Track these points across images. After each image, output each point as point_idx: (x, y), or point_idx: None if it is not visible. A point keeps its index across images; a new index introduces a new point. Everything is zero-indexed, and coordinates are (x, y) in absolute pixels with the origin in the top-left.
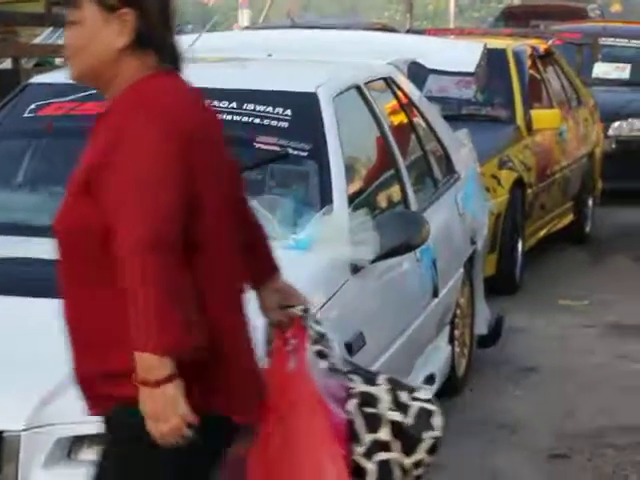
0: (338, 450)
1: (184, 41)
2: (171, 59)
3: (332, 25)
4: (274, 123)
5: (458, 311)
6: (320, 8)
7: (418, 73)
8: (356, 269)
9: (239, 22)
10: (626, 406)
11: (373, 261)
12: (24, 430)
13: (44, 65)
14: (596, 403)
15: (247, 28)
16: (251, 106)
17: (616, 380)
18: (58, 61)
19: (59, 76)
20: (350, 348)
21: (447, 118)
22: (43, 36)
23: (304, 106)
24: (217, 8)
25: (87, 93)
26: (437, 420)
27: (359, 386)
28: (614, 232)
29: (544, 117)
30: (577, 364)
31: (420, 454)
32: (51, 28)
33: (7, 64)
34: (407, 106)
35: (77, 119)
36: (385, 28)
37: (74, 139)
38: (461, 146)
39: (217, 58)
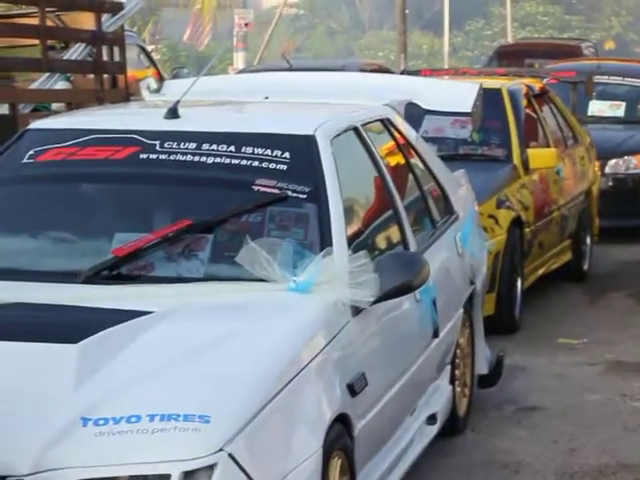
0: None
1: (182, 85)
2: None
3: (327, 66)
4: (273, 166)
5: (458, 351)
6: (314, 49)
7: (414, 114)
8: (357, 311)
9: (234, 64)
10: (628, 444)
11: (373, 302)
12: (29, 475)
13: (41, 110)
14: (598, 442)
15: (242, 70)
16: (250, 149)
17: (618, 418)
18: (55, 106)
19: (58, 122)
20: (352, 389)
21: (444, 158)
22: (40, 81)
23: (302, 149)
24: (212, 51)
25: (86, 138)
26: None
27: None
28: (612, 270)
29: (541, 156)
30: (579, 403)
31: None
32: (48, 73)
33: (4, 109)
34: (404, 147)
35: (76, 164)
36: (380, 69)
37: (73, 184)
38: (459, 186)
39: (214, 101)
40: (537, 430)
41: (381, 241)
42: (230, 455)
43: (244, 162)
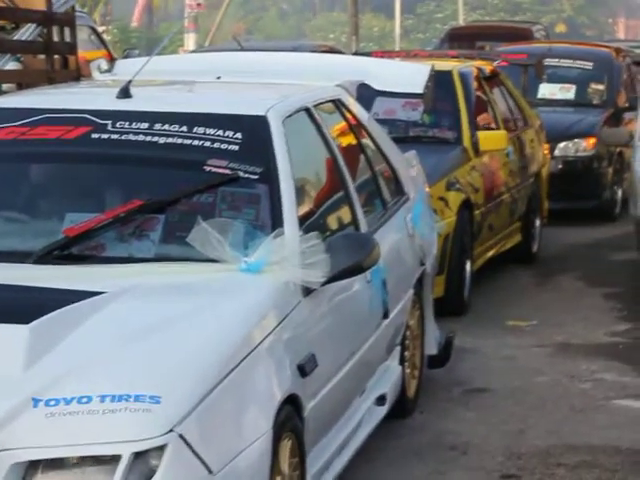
0: None
1: (133, 64)
2: None
3: (279, 48)
4: (224, 146)
5: (408, 332)
6: (265, 31)
7: (366, 95)
8: (308, 291)
9: (185, 46)
10: (575, 425)
11: (324, 283)
12: None
13: None
14: (546, 423)
15: (193, 52)
16: (202, 129)
17: (565, 400)
18: (5, 87)
19: (9, 101)
20: (303, 370)
21: (394, 140)
22: None
23: (254, 129)
24: (163, 32)
25: (38, 117)
26: None
27: None
28: (561, 252)
29: (491, 138)
30: (527, 384)
31: None
32: None
33: None
34: (356, 127)
35: (27, 144)
36: (332, 50)
37: (24, 164)
38: (410, 167)
39: (166, 81)
40: (485, 412)
41: (332, 222)
42: (180, 436)
43: (196, 142)
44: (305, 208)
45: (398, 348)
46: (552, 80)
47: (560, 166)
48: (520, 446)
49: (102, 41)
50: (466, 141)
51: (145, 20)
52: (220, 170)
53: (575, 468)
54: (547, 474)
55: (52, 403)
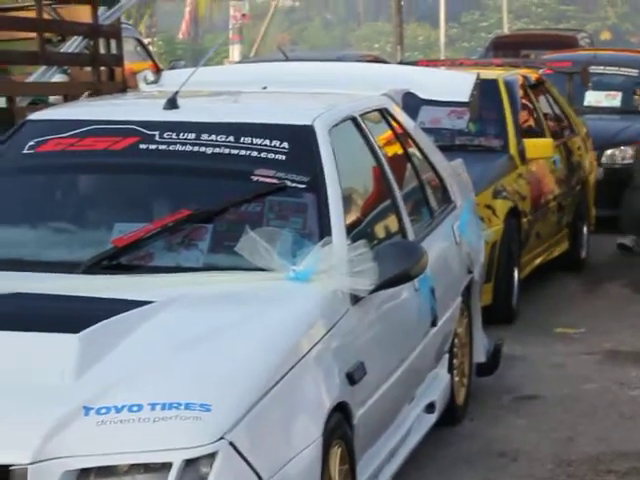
0: None
1: (179, 75)
2: None
3: (324, 58)
4: (271, 156)
5: (456, 340)
6: (310, 41)
7: (412, 104)
8: (356, 299)
9: (230, 57)
10: (625, 432)
11: (372, 291)
12: (31, 464)
13: (38, 104)
14: (596, 430)
15: (239, 62)
16: (248, 139)
17: (615, 407)
18: (52, 99)
19: (57, 113)
20: (351, 378)
21: (440, 148)
22: (36, 74)
23: (301, 138)
24: (208, 44)
25: (86, 129)
26: None
27: None
28: (609, 259)
29: (537, 146)
30: (576, 391)
31: None
32: (44, 66)
33: (1, 102)
34: (402, 136)
35: (76, 155)
36: (377, 60)
37: (73, 175)
38: (457, 176)
39: (213, 92)
40: (535, 419)
41: (380, 230)
42: (231, 443)
43: (243, 152)
44: (352, 217)
45: (447, 356)
46: (598, 88)
47: (607, 173)
48: (570, 453)
49: (148, 53)
50: (512, 149)
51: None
52: (267, 180)
53: (625, 475)
54: None
55: (103, 411)
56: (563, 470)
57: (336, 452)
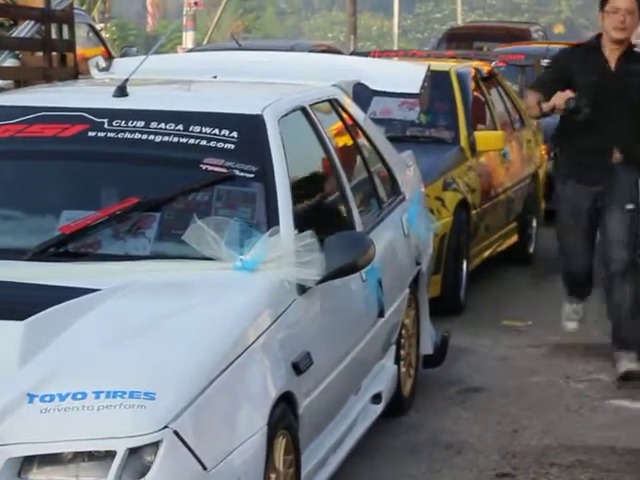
0: None
1: (130, 63)
2: None
3: (277, 47)
4: (220, 145)
5: (404, 331)
6: (264, 29)
7: (362, 94)
8: (303, 290)
9: (183, 44)
10: (570, 425)
11: (319, 282)
12: None
13: None
14: (541, 423)
15: (191, 50)
16: (197, 128)
17: (561, 400)
18: (3, 84)
19: (6, 99)
20: (297, 368)
21: (391, 140)
22: None
23: (250, 128)
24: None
25: (35, 115)
26: None
27: None
28: (557, 253)
29: (488, 139)
30: (522, 384)
31: None
32: None
33: None
34: (352, 127)
35: (24, 141)
36: (330, 50)
37: (20, 161)
38: (406, 167)
39: (163, 80)
40: (480, 411)
41: (328, 221)
42: (175, 432)
43: (192, 141)
44: (301, 207)
45: (394, 347)
46: None
47: None
48: (515, 445)
49: (100, 38)
50: (463, 141)
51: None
52: (216, 168)
53: (569, 468)
54: (541, 473)
55: (47, 399)
56: (508, 462)
57: (281, 442)
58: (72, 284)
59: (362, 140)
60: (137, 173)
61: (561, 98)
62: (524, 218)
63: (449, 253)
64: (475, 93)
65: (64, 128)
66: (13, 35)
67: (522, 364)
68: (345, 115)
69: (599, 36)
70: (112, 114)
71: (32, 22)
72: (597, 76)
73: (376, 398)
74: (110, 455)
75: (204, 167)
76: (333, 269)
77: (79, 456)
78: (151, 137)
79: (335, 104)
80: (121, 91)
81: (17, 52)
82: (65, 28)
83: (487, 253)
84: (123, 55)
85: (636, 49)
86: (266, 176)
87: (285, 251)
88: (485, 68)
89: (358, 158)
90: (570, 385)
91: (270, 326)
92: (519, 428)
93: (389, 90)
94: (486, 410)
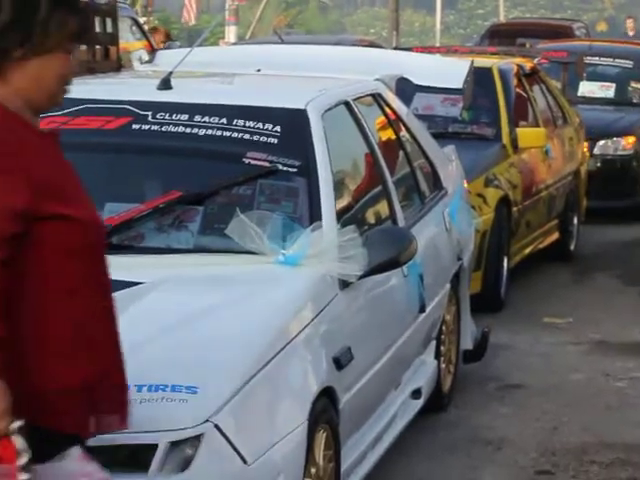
0: None
1: (174, 56)
2: None
3: (320, 41)
4: (264, 139)
5: (444, 327)
6: (306, 25)
7: (405, 89)
8: (344, 285)
9: (226, 38)
10: (610, 423)
11: (361, 277)
12: None
13: None
14: (580, 420)
15: (234, 44)
16: (241, 122)
17: (600, 397)
18: None
19: None
20: (338, 363)
21: (433, 136)
22: None
23: (294, 122)
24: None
25: (79, 107)
26: None
27: None
28: (598, 250)
29: (530, 135)
30: (562, 381)
31: None
32: None
33: None
34: (395, 122)
35: (69, 133)
36: (372, 45)
37: (66, 153)
38: (448, 162)
39: (207, 73)
40: (520, 408)
41: (370, 216)
42: (216, 426)
43: (235, 134)
44: (343, 202)
45: (434, 342)
46: (592, 78)
47: (599, 164)
48: (554, 443)
49: (143, 32)
50: (505, 138)
51: (193, 17)
52: (259, 163)
53: (609, 466)
54: (581, 471)
55: None
56: (547, 459)
57: (321, 437)
58: (115, 277)
59: (405, 134)
60: (180, 166)
61: None
62: (565, 215)
63: (490, 250)
64: (517, 90)
65: (108, 121)
66: None
67: (562, 361)
68: (388, 109)
69: None
70: (156, 107)
71: None
72: None
73: (416, 393)
74: (152, 448)
75: (247, 161)
76: (375, 264)
77: (121, 449)
78: (195, 130)
79: (378, 98)
80: (165, 84)
81: None
82: (108, 21)
83: (528, 250)
84: (166, 49)
85: None
86: (309, 171)
87: (327, 246)
88: (527, 65)
89: (400, 153)
90: (610, 383)
91: (312, 321)
92: (558, 425)
93: (432, 85)
94: (525, 407)
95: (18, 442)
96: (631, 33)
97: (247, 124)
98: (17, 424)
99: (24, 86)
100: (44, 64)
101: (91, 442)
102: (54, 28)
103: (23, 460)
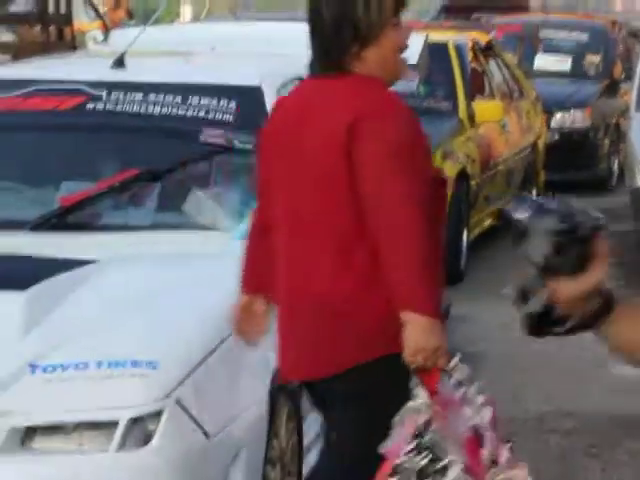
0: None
1: (127, 35)
2: None
3: (275, 19)
4: (219, 116)
5: None
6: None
7: None
8: None
9: (181, 18)
10: (568, 391)
11: None
12: None
13: None
14: (540, 389)
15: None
16: (196, 99)
17: (557, 366)
18: (0, 58)
19: (2, 72)
20: None
21: None
22: None
23: (249, 99)
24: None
25: (32, 88)
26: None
27: None
28: None
29: (486, 109)
30: (522, 351)
31: None
32: None
33: None
34: None
35: (22, 114)
36: None
37: (19, 134)
38: None
39: (161, 52)
40: (480, 378)
41: None
42: (177, 401)
43: (191, 112)
44: None
45: None
46: (548, 51)
47: (556, 137)
48: (513, 411)
49: (97, 12)
50: (462, 112)
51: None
52: (215, 140)
53: (568, 434)
54: (540, 439)
55: (49, 369)
56: (507, 429)
57: (283, 410)
58: (72, 255)
59: None
60: (136, 145)
61: None
62: (524, 188)
63: (449, 223)
64: (473, 64)
65: (62, 100)
66: (10, 10)
67: (520, 332)
68: None
69: None
70: (110, 86)
71: None
72: None
73: None
74: (113, 424)
75: (203, 138)
76: None
77: (82, 426)
78: (150, 109)
79: None
80: (119, 63)
81: (15, 27)
82: (62, 2)
83: (487, 222)
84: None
85: None
86: None
87: None
88: (483, 39)
89: None
90: (567, 351)
91: None
92: (519, 394)
93: None
94: (485, 377)
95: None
96: None
97: (202, 101)
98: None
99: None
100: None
101: (53, 419)
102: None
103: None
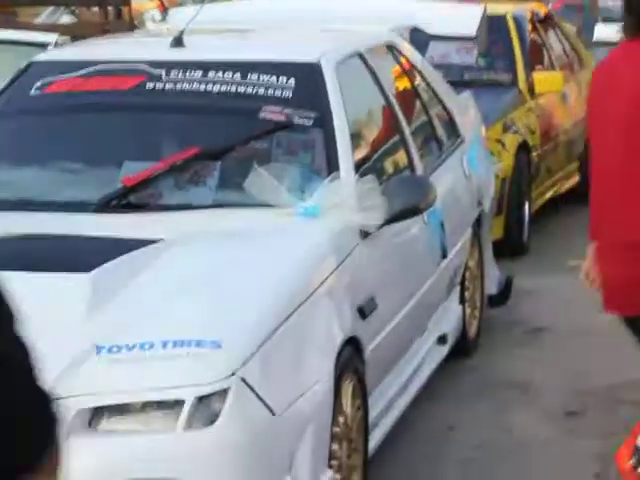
0: None
1: (186, 14)
2: None
3: None
4: (279, 93)
5: (467, 273)
6: None
7: (420, 39)
8: (365, 234)
9: None
10: (637, 363)
11: (381, 226)
12: None
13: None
14: (609, 361)
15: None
16: (255, 76)
17: (627, 337)
18: (60, 39)
19: (63, 53)
20: (362, 312)
21: (450, 84)
22: (44, 16)
23: (308, 75)
24: None
25: (93, 69)
26: None
27: None
28: None
29: (546, 80)
30: (587, 324)
31: None
32: (52, 8)
33: None
34: (410, 71)
35: (83, 95)
36: None
37: (81, 115)
38: (465, 109)
39: (219, 29)
40: (546, 351)
41: (388, 165)
42: (242, 379)
43: (250, 90)
44: (361, 152)
45: (458, 288)
46: (608, 21)
47: None
48: (582, 384)
49: None
50: (521, 83)
51: None
52: (275, 116)
53: (638, 405)
54: (610, 411)
55: (115, 350)
56: (576, 401)
57: (348, 386)
58: (135, 235)
59: (420, 83)
60: (196, 123)
61: None
62: (585, 158)
63: (511, 195)
64: (532, 35)
65: (122, 80)
66: None
67: (587, 304)
68: (402, 59)
69: None
70: (169, 65)
71: None
72: None
73: (442, 340)
74: (179, 404)
75: (263, 115)
76: (394, 213)
77: (148, 406)
78: (209, 87)
79: (392, 49)
80: (178, 42)
81: (73, 8)
82: None
83: (549, 194)
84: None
85: None
86: (325, 122)
87: (346, 196)
88: (541, 10)
89: (417, 102)
90: None
91: (334, 271)
92: (586, 367)
93: (446, 33)
94: (552, 350)
95: None
96: None
97: (261, 78)
98: None
99: None
100: None
101: (119, 400)
102: None
103: None
